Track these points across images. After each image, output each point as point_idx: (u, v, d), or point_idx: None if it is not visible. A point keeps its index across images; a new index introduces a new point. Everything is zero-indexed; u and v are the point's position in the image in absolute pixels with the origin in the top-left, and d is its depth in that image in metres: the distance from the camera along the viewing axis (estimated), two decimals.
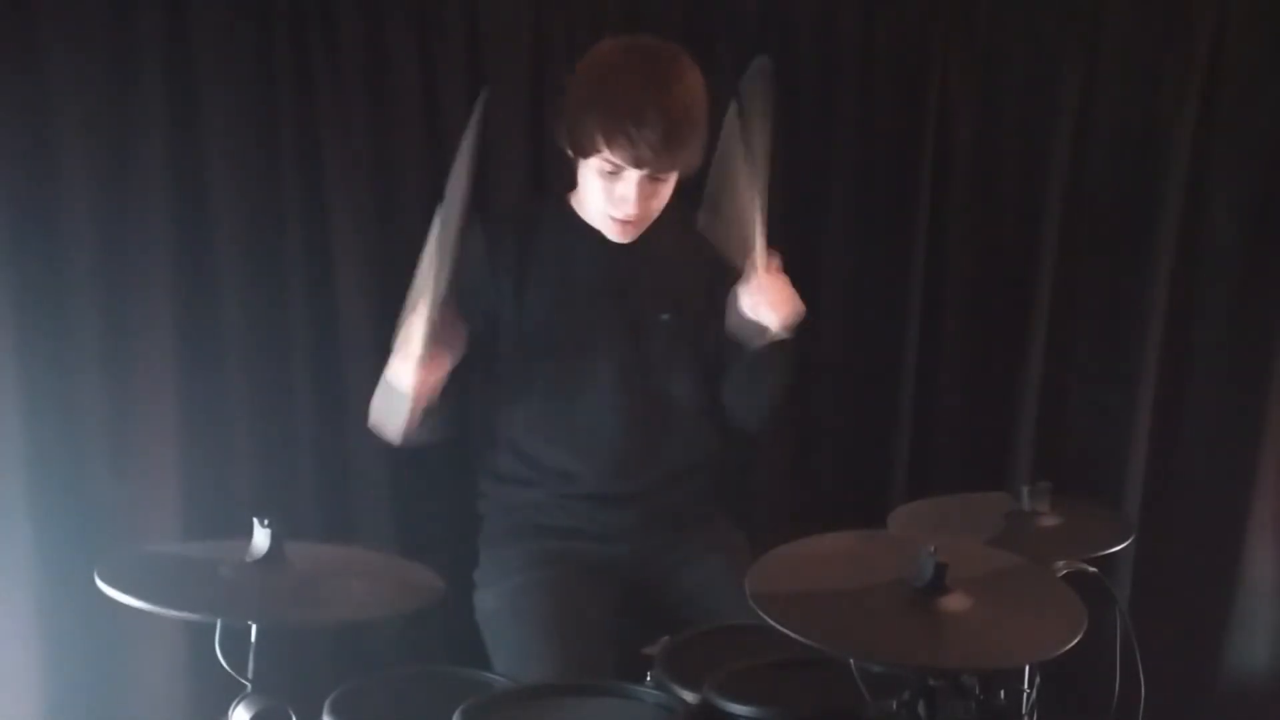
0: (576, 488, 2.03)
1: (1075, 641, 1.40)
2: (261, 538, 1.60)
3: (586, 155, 1.87)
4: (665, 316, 2.02)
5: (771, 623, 1.38)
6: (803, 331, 2.17)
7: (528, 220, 2.02)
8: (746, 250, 1.90)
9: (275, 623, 1.60)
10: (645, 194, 1.87)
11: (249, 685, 1.59)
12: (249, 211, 2.18)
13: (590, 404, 2.00)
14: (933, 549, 1.43)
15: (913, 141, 2.40)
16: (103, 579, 1.51)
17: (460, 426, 2.06)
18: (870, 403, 2.50)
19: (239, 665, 1.59)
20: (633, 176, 1.85)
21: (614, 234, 1.96)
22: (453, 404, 1.93)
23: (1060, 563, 1.87)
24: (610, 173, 1.86)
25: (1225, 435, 2.46)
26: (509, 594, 1.97)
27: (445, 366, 1.83)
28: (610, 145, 1.81)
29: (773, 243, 2.42)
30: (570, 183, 2.00)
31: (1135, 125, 2.39)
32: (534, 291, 1.98)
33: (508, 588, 1.98)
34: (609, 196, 1.89)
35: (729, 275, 2.10)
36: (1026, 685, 1.94)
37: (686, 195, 2.02)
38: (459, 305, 1.95)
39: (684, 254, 2.06)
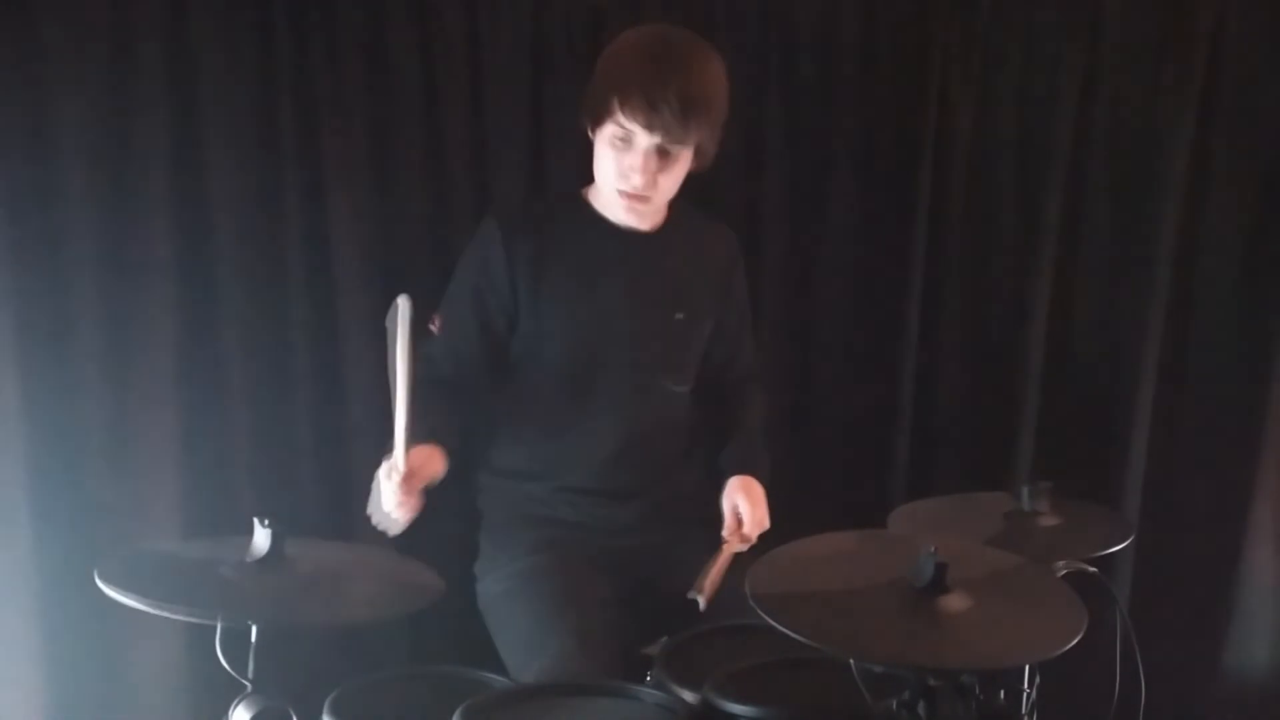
0: (580, 482, 2.03)
1: (1075, 641, 1.40)
2: (261, 538, 1.60)
3: (600, 122, 1.88)
4: (680, 315, 2.04)
5: (771, 623, 1.38)
6: (803, 329, 2.19)
7: (544, 216, 2.03)
8: None
9: (275, 623, 1.60)
10: (652, 167, 1.87)
11: (249, 685, 1.59)
12: (249, 211, 2.18)
13: (599, 399, 2.01)
14: (933, 549, 1.43)
15: (913, 140, 2.40)
16: (103, 579, 1.51)
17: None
18: (870, 402, 2.50)
19: (239, 665, 1.59)
20: (642, 144, 1.86)
21: (623, 212, 1.96)
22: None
23: (1060, 563, 1.87)
24: (621, 141, 1.87)
25: (1225, 435, 2.46)
26: (512, 578, 1.97)
27: (426, 482, 1.79)
28: (624, 106, 1.83)
29: (773, 241, 2.44)
30: (585, 178, 2.00)
31: (1135, 125, 2.39)
32: (551, 287, 1.98)
33: (511, 572, 1.98)
34: (619, 169, 1.90)
35: (731, 274, 2.13)
36: (1026, 685, 1.94)
37: (697, 196, 2.03)
38: (476, 304, 1.97)
39: (697, 254, 2.09)
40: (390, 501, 1.75)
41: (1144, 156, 2.39)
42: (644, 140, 1.85)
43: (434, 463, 1.83)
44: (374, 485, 1.80)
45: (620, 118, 1.84)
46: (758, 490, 2.03)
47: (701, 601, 1.80)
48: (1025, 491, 2.01)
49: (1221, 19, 2.32)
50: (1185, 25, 2.32)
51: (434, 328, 2.01)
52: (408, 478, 1.73)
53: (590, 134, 1.93)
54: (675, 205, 2.04)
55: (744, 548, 1.95)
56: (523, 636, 1.87)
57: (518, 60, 2.26)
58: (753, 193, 2.42)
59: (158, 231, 2.13)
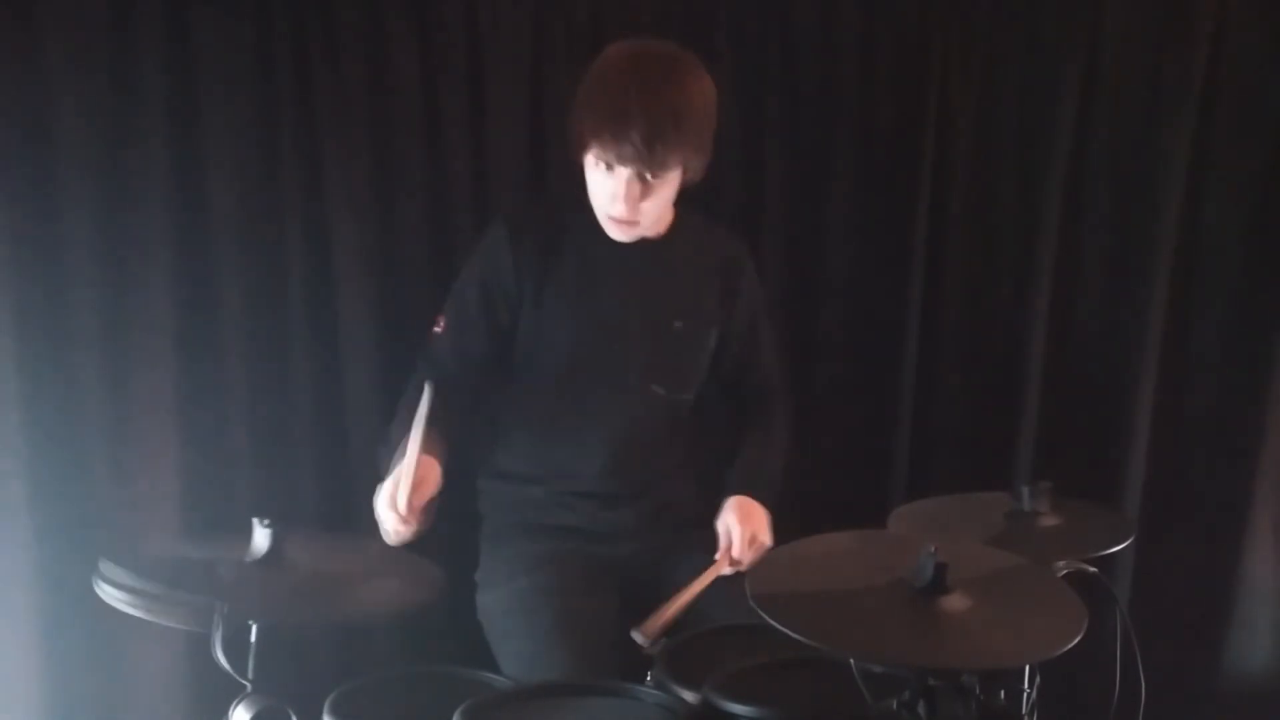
0: (579, 486, 2.04)
1: (1075, 641, 1.40)
2: (261, 537, 1.60)
3: (581, 151, 1.88)
4: (679, 323, 2.04)
5: (771, 623, 1.38)
6: (803, 330, 2.19)
7: (551, 220, 2.03)
8: None
9: (275, 623, 1.60)
10: (635, 193, 1.87)
11: (249, 685, 1.59)
12: (249, 211, 2.18)
13: (600, 404, 2.01)
14: (933, 549, 1.43)
15: (913, 141, 2.40)
16: (103, 579, 1.51)
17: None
18: (870, 402, 2.50)
19: (239, 665, 1.59)
20: (623, 174, 1.86)
21: (612, 232, 1.96)
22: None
23: (1060, 563, 1.87)
24: (604, 169, 1.87)
25: (1225, 435, 2.46)
26: (513, 594, 1.97)
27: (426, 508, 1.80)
28: (597, 141, 1.83)
29: (773, 241, 2.44)
30: (585, 182, 2.00)
31: (1135, 125, 2.39)
32: (554, 292, 1.98)
33: (511, 587, 1.98)
34: (604, 194, 1.90)
35: (738, 282, 2.12)
36: (1026, 685, 1.94)
37: (698, 202, 2.03)
38: (483, 302, 1.97)
39: (701, 261, 2.08)
40: (392, 528, 1.76)
41: (1144, 156, 2.39)
42: (622, 170, 1.85)
43: (431, 478, 1.80)
44: (379, 498, 1.79)
45: (597, 150, 1.84)
46: (752, 510, 2.00)
47: (644, 642, 1.78)
48: (1025, 491, 2.01)
49: (1221, 19, 2.32)
50: (1185, 25, 2.32)
51: (438, 329, 2.01)
52: (410, 504, 1.74)
53: (578, 159, 1.92)
54: (680, 212, 2.04)
55: (731, 571, 1.93)
56: (521, 657, 1.87)
57: (518, 60, 2.26)
58: (753, 193, 2.42)
59: (157, 231, 2.13)
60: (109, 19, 2.05)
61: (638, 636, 1.79)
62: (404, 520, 1.74)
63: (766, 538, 1.98)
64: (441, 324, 2.01)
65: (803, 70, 2.38)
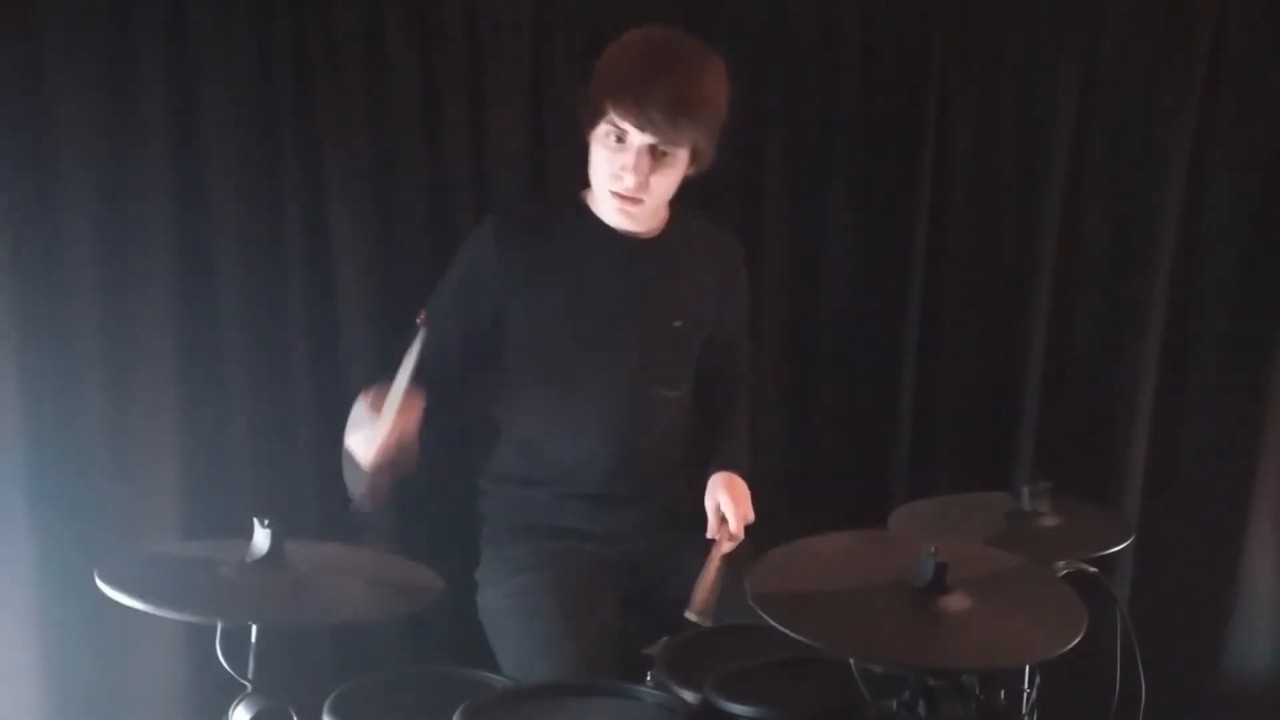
0: (578, 487, 2.03)
1: (1075, 641, 1.40)
2: (261, 538, 1.60)
3: (595, 122, 1.88)
4: (678, 323, 2.04)
5: (771, 623, 1.38)
6: (803, 330, 2.18)
7: (544, 219, 2.03)
8: None
9: (275, 623, 1.60)
10: (645, 167, 1.87)
11: (249, 685, 1.59)
12: (249, 212, 2.18)
13: (596, 404, 2.01)
14: (933, 549, 1.43)
15: (913, 141, 2.40)
16: (103, 579, 1.51)
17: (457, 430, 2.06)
18: (870, 403, 2.50)
19: (239, 665, 1.59)
20: (635, 144, 1.85)
21: (615, 214, 1.96)
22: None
23: (1060, 563, 1.87)
24: (616, 140, 1.87)
25: (1225, 435, 2.46)
26: (514, 592, 1.97)
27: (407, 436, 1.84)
28: (616, 105, 1.83)
29: (773, 241, 2.44)
30: (585, 179, 2.00)
31: (1135, 125, 2.39)
32: (548, 290, 1.98)
33: (513, 586, 1.98)
34: (611, 169, 1.90)
35: (733, 283, 2.12)
36: (1026, 685, 1.94)
37: (697, 196, 2.03)
38: (464, 301, 1.98)
39: (699, 260, 2.08)
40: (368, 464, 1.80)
41: (1144, 156, 2.39)
42: (636, 139, 1.85)
43: (413, 415, 1.83)
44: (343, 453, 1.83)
45: (613, 116, 1.84)
46: (739, 485, 2.03)
47: (698, 619, 1.82)
48: (1025, 491, 2.01)
49: (1221, 19, 2.32)
50: (1185, 25, 2.32)
51: (419, 322, 2.00)
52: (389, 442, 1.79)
53: (586, 135, 1.93)
54: (677, 210, 2.04)
55: (732, 546, 1.95)
56: (522, 656, 1.87)
57: (518, 60, 2.26)
58: (753, 193, 2.42)
59: (158, 232, 2.13)
60: (109, 19, 2.05)
61: (692, 615, 1.83)
62: (381, 457, 1.78)
63: (751, 513, 2.01)
64: (422, 318, 2.01)
65: (803, 70, 2.38)
